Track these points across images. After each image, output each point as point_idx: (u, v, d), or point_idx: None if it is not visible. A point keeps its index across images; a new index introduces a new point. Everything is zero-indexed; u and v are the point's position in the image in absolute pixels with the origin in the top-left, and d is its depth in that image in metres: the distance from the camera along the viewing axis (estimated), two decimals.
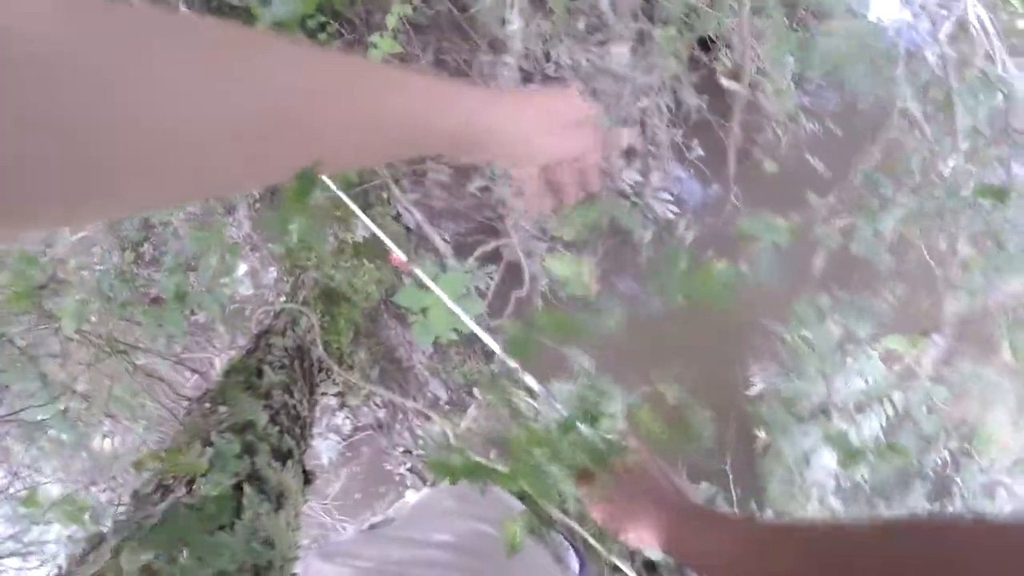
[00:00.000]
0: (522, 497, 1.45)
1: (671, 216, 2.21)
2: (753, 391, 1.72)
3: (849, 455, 1.49)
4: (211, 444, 1.01)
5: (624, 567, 1.31)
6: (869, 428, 1.47)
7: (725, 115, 2.13)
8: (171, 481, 0.91)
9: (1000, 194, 1.41)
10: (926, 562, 0.38)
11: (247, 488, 0.94)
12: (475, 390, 1.60)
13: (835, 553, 0.43)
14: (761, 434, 1.72)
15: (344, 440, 1.53)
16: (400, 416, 1.56)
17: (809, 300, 1.65)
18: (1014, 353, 1.52)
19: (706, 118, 2.20)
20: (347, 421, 1.54)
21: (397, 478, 1.55)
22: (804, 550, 0.44)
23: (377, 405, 1.55)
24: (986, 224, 1.47)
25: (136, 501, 0.88)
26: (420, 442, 1.54)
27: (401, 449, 1.57)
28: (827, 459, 1.57)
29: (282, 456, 1.11)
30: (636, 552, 1.54)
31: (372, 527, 0.89)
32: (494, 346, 0.92)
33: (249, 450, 1.04)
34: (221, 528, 0.84)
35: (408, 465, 1.56)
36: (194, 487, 0.89)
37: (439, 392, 1.55)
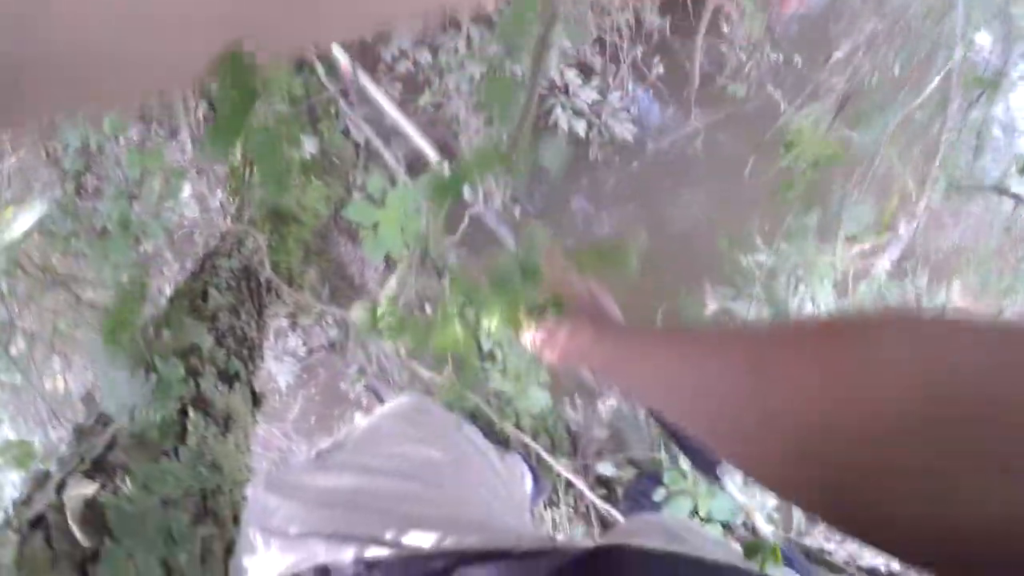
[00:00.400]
0: (474, 417, 1.48)
1: (628, 137, 2.17)
2: (708, 312, 1.76)
3: None
4: (155, 370, 0.99)
5: (576, 481, 1.37)
6: None
7: (689, 35, 2.06)
8: (113, 412, 0.89)
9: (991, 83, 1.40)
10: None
11: (192, 412, 0.93)
12: (426, 305, 1.59)
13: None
14: None
15: (300, 362, 1.52)
16: (353, 334, 1.55)
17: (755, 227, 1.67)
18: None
19: (668, 38, 2.13)
20: (301, 343, 1.53)
21: (352, 397, 1.57)
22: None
23: (329, 324, 1.54)
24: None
25: (78, 435, 0.86)
26: (376, 359, 1.54)
27: (355, 367, 1.57)
28: None
29: (229, 379, 1.09)
30: (589, 466, 1.62)
31: (320, 454, 0.90)
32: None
33: (194, 374, 1.02)
34: (165, 455, 0.83)
35: (363, 383, 1.57)
36: (136, 415, 0.88)
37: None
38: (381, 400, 1.54)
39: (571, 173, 2.18)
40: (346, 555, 0.67)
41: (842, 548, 1.42)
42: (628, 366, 0.50)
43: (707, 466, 0.95)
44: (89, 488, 0.71)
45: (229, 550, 0.80)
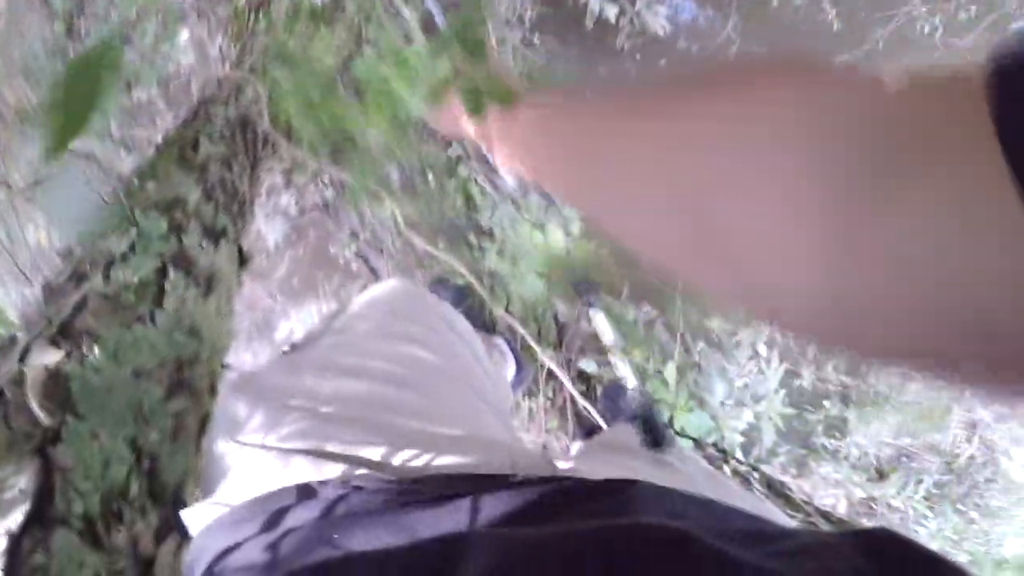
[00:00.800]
0: (464, 296, 1.44)
1: (660, 32, 1.96)
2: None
3: None
4: (135, 224, 0.92)
5: (559, 373, 1.37)
6: None
7: None
8: (87, 268, 0.83)
9: None
10: None
11: (172, 272, 0.87)
12: (429, 174, 1.50)
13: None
14: None
15: (290, 222, 1.45)
16: (348, 196, 1.47)
17: None
18: None
19: None
20: (294, 202, 1.45)
21: (342, 263, 1.51)
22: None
23: (325, 184, 1.44)
24: None
25: (48, 294, 0.81)
26: (369, 226, 1.47)
27: (348, 232, 1.50)
28: None
29: (215, 236, 1.03)
30: (571, 361, 1.62)
31: (295, 348, 0.85)
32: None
33: (177, 229, 0.95)
34: (140, 320, 0.79)
35: (354, 249, 1.51)
36: (111, 274, 0.82)
37: (392, 173, 1.44)
38: (371, 269, 1.50)
39: (592, 57, 1.98)
40: (331, 473, 0.62)
41: (797, 484, 1.47)
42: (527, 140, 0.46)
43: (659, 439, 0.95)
44: (52, 357, 0.67)
45: (203, 426, 0.78)
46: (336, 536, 0.51)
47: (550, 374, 1.46)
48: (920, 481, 1.61)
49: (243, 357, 1.46)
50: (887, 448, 1.55)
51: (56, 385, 0.65)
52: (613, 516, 0.47)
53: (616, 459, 0.75)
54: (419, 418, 0.70)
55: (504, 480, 0.57)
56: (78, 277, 0.82)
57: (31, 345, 0.66)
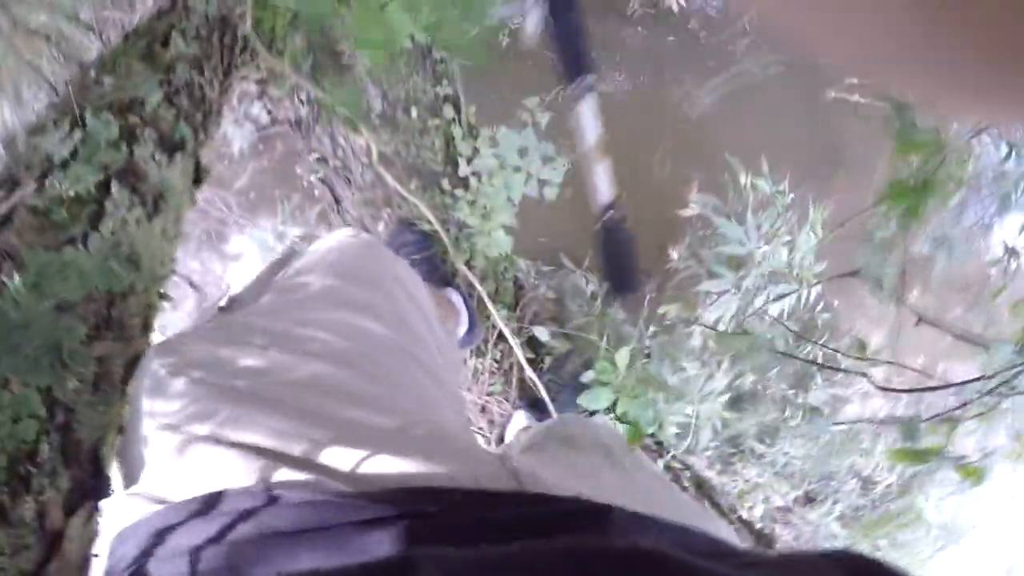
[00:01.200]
0: (427, 244, 1.38)
1: (675, 6, 1.84)
2: (686, 212, 1.63)
3: None
4: (82, 125, 0.81)
5: (510, 337, 1.34)
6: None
7: None
8: (20, 172, 0.73)
9: None
10: None
11: (116, 187, 0.78)
12: (414, 110, 1.39)
13: None
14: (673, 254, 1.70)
15: (259, 132, 1.32)
16: (323, 117, 1.35)
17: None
18: None
19: None
20: (266, 113, 1.32)
21: (305, 185, 1.40)
22: None
23: (301, 101, 1.32)
24: None
25: None
26: (340, 152, 1.36)
27: (316, 156, 1.39)
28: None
29: (172, 147, 0.93)
30: (523, 328, 1.58)
31: (232, 304, 0.76)
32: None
33: (129, 136, 0.85)
34: (71, 243, 0.70)
35: (320, 175, 1.40)
36: (47, 183, 0.73)
37: (374, 102, 1.33)
38: (335, 198, 1.40)
39: (598, 14, 1.85)
40: (249, 474, 0.53)
41: (720, 483, 1.51)
42: None
43: (624, 282, 0.88)
44: None
45: (129, 371, 0.72)
46: (241, 566, 0.45)
47: (500, 336, 1.43)
48: (836, 501, 1.69)
49: (190, 265, 1.37)
50: (811, 462, 1.62)
51: None
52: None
53: (575, 460, 0.70)
54: (359, 405, 0.61)
55: (467, 496, 0.50)
56: (10, 182, 0.73)
57: None
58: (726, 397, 1.41)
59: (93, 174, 0.77)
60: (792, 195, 1.57)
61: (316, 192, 1.40)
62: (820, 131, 2.00)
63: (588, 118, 0.89)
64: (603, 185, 0.85)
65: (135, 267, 0.77)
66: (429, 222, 1.37)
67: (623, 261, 0.82)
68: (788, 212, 1.52)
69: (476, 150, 1.40)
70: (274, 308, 0.69)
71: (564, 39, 0.84)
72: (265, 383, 0.59)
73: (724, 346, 1.30)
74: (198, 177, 0.99)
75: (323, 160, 1.37)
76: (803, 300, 1.52)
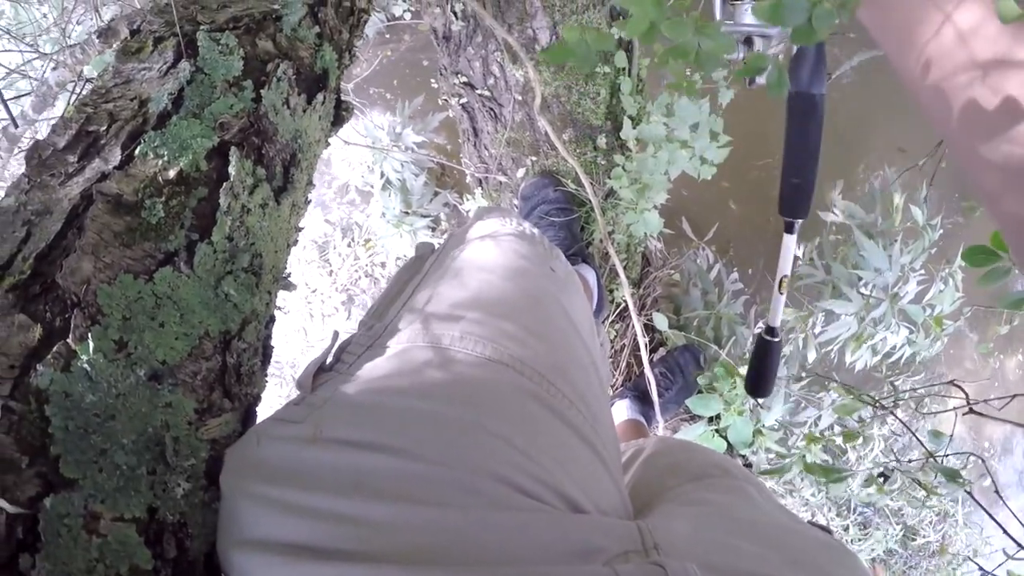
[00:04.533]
0: (568, 206, 1.04)
1: None
2: (827, 215, 1.25)
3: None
4: (191, 54, 0.48)
5: (635, 316, 1.06)
6: None
7: None
8: (100, 126, 0.43)
9: None
10: None
11: (235, 158, 0.48)
12: None
13: None
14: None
15: (388, 21, 0.95)
16: (479, 40, 0.97)
17: None
18: None
19: None
20: (409, 14, 0.93)
21: (441, 102, 1.04)
22: None
23: (456, 14, 0.93)
24: None
25: (33, 163, 0.41)
26: (491, 81, 0.99)
27: (463, 79, 1.02)
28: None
29: (312, 84, 0.61)
30: (644, 306, 1.28)
31: (343, 353, 0.46)
32: None
33: (259, 72, 0.53)
34: (168, 260, 0.42)
35: (463, 100, 1.04)
36: (136, 153, 0.43)
37: (541, 33, 0.94)
38: (474, 128, 1.05)
39: None
40: None
41: None
42: None
43: (761, 388, 0.83)
44: (20, 349, 0.33)
45: (246, 425, 0.46)
46: None
47: (620, 315, 1.15)
48: (873, 538, 1.48)
49: None
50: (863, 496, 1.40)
51: (23, 416, 0.32)
52: None
53: (704, 508, 0.47)
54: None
55: None
56: (84, 144, 0.43)
57: None
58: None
59: (204, 136, 0.47)
60: (941, 231, 1.19)
61: (449, 113, 1.05)
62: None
63: (786, 252, 0.76)
64: (776, 312, 0.79)
65: (255, 278, 0.50)
66: (577, 183, 1.03)
67: (767, 373, 0.82)
68: (934, 250, 1.16)
69: (643, 111, 1.03)
70: (377, 414, 0.39)
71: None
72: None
73: (842, 408, 1.02)
74: (339, 117, 0.68)
75: (469, 86, 1.01)
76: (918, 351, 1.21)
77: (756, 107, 1.37)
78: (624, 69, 0.98)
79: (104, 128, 0.45)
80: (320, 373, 0.46)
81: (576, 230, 1.05)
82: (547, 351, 0.47)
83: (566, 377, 0.47)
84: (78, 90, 0.63)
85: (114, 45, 0.55)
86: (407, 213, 1.55)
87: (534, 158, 1.03)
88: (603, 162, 1.03)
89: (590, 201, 0.97)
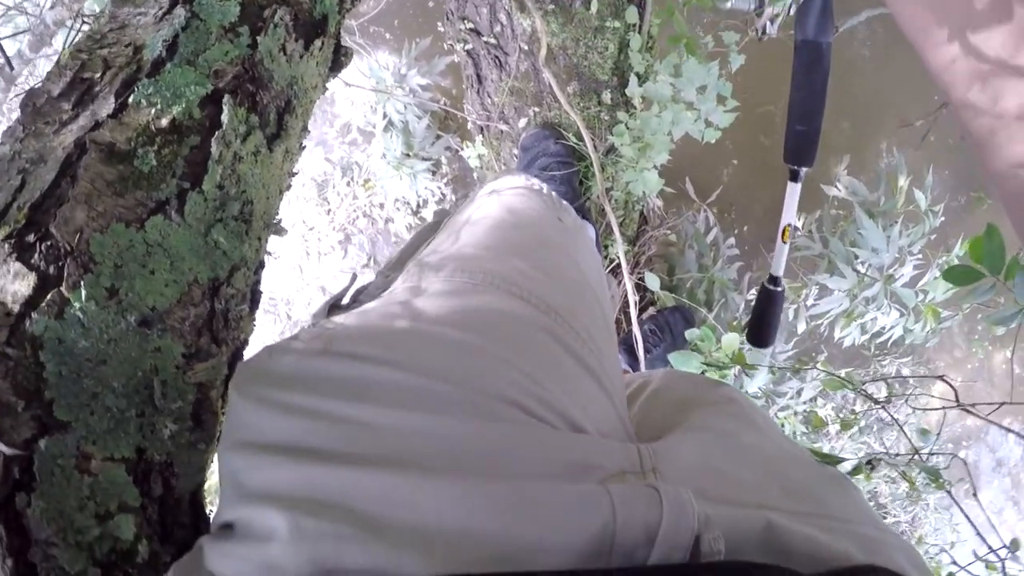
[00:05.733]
0: (569, 159, 1.03)
1: None
2: (830, 189, 1.23)
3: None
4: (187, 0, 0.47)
5: (627, 275, 1.07)
6: None
7: None
8: (95, 72, 0.42)
9: None
10: None
11: (228, 106, 0.48)
12: (594, 2, 0.96)
13: None
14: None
15: None
16: None
17: None
18: None
19: None
20: None
21: (446, 47, 0.99)
22: None
23: None
24: None
25: (27, 112, 0.42)
26: (497, 29, 0.95)
27: (469, 25, 0.97)
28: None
29: (310, 30, 0.59)
30: (638, 264, 1.28)
31: (360, 295, 0.46)
32: None
33: (255, 18, 0.51)
34: (159, 208, 0.42)
35: (468, 47, 1.00)
36: (130, 101, 0.43)
37: None
38: (478, 75, 1.01)
39: None
40: None
41: None
42: None
43: (761, 337, 0.83)
44: (16, 297, 0.35)
45: (229, 377, 0.49)
46: None
47: (613, 271, 1.16)
48: None
49: None
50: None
51: (19, 362, 0.34)
52: None
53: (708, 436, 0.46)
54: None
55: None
56: (79, 91, 0.43)
57: None
58: (805, 408, 1.19)
59: (198, 84, 0.47)
60: (943, 218, 1.18)
61: (455, 58, 1.02)
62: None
63: (790, 201, 0.74)
64: (779, 262, 0.77)
65: (245, 225, 0.51)
66: (578, 137, 1.02)
67: (769, 322, 0.81)
68: (933, 236, 1.15)
69: (651, 69, 1.00)
70: (391, 341, 0.39)
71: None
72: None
73: (830, 383, 1.04)
74: (336, 63, 0.67)
75: (475, 32, 0.97)
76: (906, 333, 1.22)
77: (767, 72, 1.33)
78: (635, 25, 0.94)
79: (99, 75, 0.45)
80: (335, 310, 0.48)
81: (576, 184, 1.04)
82: (553, 287, 0.48)
83: (573, 313, 0.47)
84: (75, 29, 0.62)
85: None
86: (408, 155, 1.53)
87: (537, 109, 1.01)
88: (606, 117, 1.01)
89: (590, 156, 0.96)
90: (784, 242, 0.78)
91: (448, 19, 0.99)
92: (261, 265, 0.58)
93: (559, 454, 0.36)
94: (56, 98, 0.44)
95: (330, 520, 0.30)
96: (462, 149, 1.44)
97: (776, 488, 0.41)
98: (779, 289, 0.79)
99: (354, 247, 1.67)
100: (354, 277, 0.51)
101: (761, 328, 0.83)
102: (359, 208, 1.63)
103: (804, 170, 0.72)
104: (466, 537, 0.31)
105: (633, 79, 0.96)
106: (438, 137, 1.52)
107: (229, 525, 0.33)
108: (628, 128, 0.99)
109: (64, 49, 0.46)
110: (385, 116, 1.45)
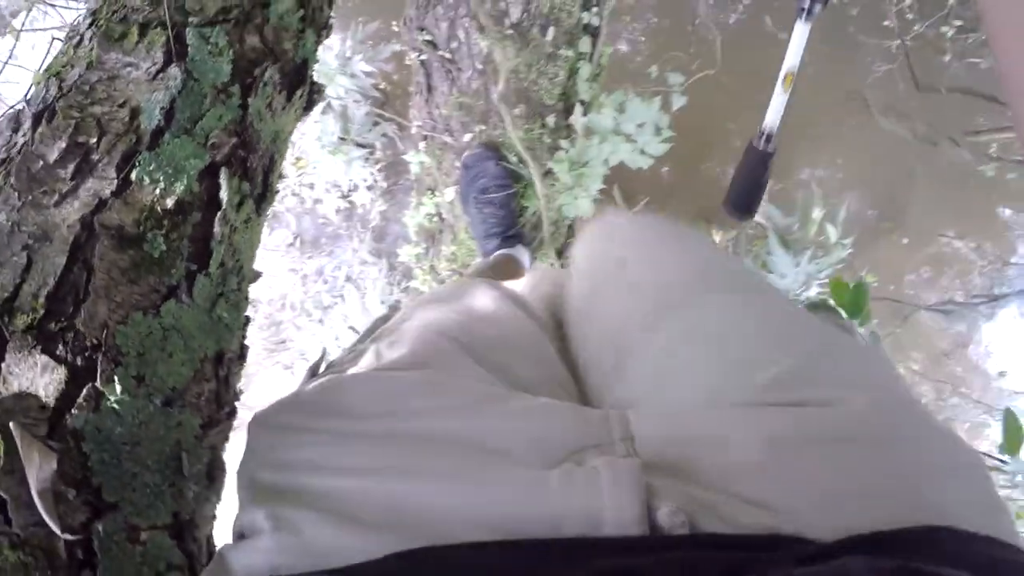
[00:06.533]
0: (506, 181, 1.07)
1: None
2: None
3: None
4: (181, 55, 0.46)
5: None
6: None
7: None
8: (93, 148, 0.43)
9: None
10: None
11: (224, 177, 0.50)
12: (551, 30, 0.99)
13: None
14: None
15: None
16: (451, 1, 0.92)
17: None
18: None
19: None
20: None
21: (399, 48, 0.97)
22: None
23: None
24: None
25: (22, 181, 0.41)
26: (454, 45, 0.96)
27: (427, 37, 0.97)
28: None
29: (293, 79, 0.60)
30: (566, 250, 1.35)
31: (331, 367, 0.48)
32: None
33: (245, 74, 0.52)
34: (171, 293, 0.44)
35: (423, 57, 0.99)
36: (133, 176, 0.43)
37: (513, 8, 0.92)
38: (428, 84, 1.01)
39: None
40: None
41: None
42: None
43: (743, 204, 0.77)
44: (48, 392, 0.38)
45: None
46: None
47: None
48: None
49: None
50: None
51: (64, 454, 0.37)
52: None
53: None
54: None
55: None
56: (76, 155, 0.44)
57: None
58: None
59: (197, 157, 0.48)
60: (851, 251, 1.37)
61: (408, 61, 1.00)
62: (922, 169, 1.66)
63: (796, 42, 0.68)
64: (774, 112, 0.70)
65: (241, 292, 0.53)
66: (520, 158, 1.07)
67: (754, 187, 0.75)
68: (840, 265, 1.34)
69: (596, 99, 1.06)
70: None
71: None
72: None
73: None
74: (311, 102, 0.67)
75: (432, 44, 0.97)
76: None
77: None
78: (586, 54, 1.00)
79: (95, 141, 0.45)
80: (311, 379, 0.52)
81: (513, 206, 1.10)
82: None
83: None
84: (30, 19, 0.56)
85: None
86: (344, 140, 1.50)
87: (483, 127, 1.04)
88: (548, 140, 1.07)
89: (530, 178, 1.02)
90: (784, 91, 0.68)
91: (406, 24, 0.98)
92: (248, 320, 0.60)
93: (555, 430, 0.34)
94: (52, 165, 0.44)
95: (307, 509, 0.31)
96: (400, 135, 1.43)
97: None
98: (771, 151, 0.71)
99: (281, 226, 1.62)
100: (324, 351, 0.55)
101: (744, 192, 0.75)
102: (287, 186, 1.57)
103: (819, 6, 0.65)
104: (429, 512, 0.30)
105: (578, 108, 1.02)
106: (376, 123, 1.50)
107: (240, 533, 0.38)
108: (567, 155, 1.06)
109: (38, 72, 0.44)
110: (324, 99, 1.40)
